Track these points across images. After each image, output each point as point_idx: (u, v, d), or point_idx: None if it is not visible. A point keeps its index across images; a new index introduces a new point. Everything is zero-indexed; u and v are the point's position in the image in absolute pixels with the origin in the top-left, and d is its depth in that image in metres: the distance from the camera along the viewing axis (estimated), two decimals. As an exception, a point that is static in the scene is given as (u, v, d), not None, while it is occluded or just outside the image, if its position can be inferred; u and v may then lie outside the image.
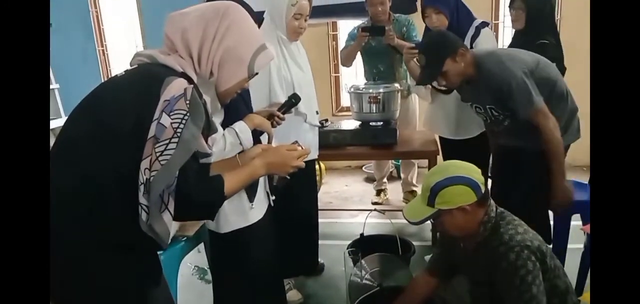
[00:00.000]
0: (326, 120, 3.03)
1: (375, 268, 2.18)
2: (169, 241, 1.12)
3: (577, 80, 2.15)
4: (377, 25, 3.08)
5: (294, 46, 2.21)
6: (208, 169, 1.32)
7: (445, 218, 1.56)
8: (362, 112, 2.90)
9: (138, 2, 4.86)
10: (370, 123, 2.88)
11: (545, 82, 1.98)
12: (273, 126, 1.80)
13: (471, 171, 1.55)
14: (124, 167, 1.05)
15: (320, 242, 2.65)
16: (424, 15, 2.61)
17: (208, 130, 1.20)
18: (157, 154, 1.02)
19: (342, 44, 3.62)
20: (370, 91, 2.86)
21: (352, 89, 2.93)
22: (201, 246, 2.21)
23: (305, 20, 2.17)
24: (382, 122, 2.86)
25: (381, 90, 2.85)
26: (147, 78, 1.14)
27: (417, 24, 3.13)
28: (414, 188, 3.77)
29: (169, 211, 1.06)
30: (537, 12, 2.47)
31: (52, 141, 1.14)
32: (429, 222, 1.66)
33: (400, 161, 3.99)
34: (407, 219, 1.61)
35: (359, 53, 3.26)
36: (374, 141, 2.84)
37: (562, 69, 2.41)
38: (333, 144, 2.84)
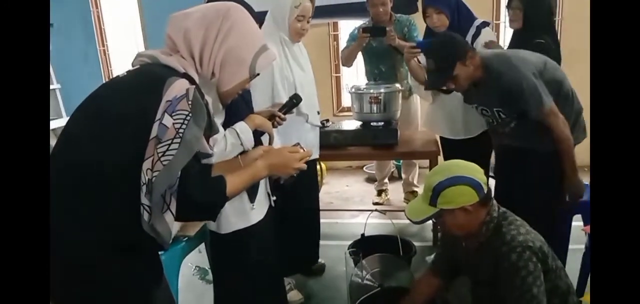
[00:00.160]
0: (327, 120, 3.03)
1: (376, 269, 2.18)
2: (171, 241, 1.12)
3: (578, 81, 2.15)
4: (378, 26, 3.08)
5: (296, 47, 2.23)
6: (210, 170, 1.32)
7: (447, 218, 1.56)
8: (363, 113, 2.90)
9: (139, 3, 4.87)
10: (371, 123, 2.88)
11: (552, 83, 1.98)
12: (274, 126, 1.81)
13: (474, 171, 1.55)
14: (126, 167, 1.05)
15: (321, 242, 2.65)
16: (425, 15, 2.62)
17: (209, 130, 1.20)
18: (159, 155, 1.02)
19: (343, 44, 3.62)
20: (371, 91, 2.86)
21: (353, 89, 2.93)
22: (202, 246, 2.22)
23: (308, 22, 2.19)
24: (383, 123, 2.86)
25: (382, 90, 2.85)
26: (149, 78, 1.14)
27: (419, 24, 3.13)
28: (415, 189, 3.77)
29: (171, 211, 1.06)
30: (535, 12, 2.47)
31: (53, 142, 1.14)
32: (430, 222, 1.66)
33: (401, 161, 3.99)
34: (408, 218, 1.61)
35: (360, 53, 3.26)
36: (375, 142, 2.84)
37: None
38: (334, 144, 2.84)
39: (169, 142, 1.03)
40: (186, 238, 2.02)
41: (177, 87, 1.08)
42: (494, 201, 1.60)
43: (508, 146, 2.18)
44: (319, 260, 2.88)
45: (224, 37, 1.21)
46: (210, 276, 2.31)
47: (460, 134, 2.71)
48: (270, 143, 1.73)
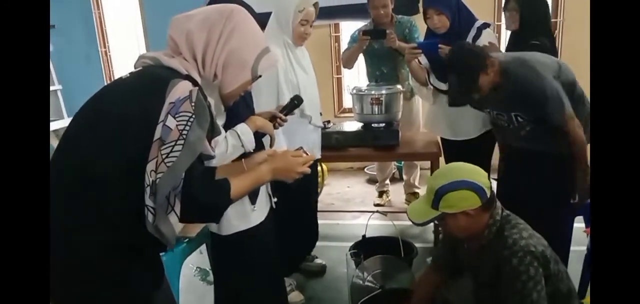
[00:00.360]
0: (328, 121, 3.03)
1: (377, 270, 2.17)
2: (175, 242, 1.12)
3: (579, 81, 2.15)
4: (378, 29, 3.08)
5: (299, 50, 2.26)
6: (213, 172, 1.33)
7: (449, 221, 1.56)
8: (365, 114, 2.89)
9: (140, 4, 4.88)
10: (373, 125, 2.88)
11: (567, 85, 1.97)
12: (275, 127, 1.81)
13: (477, 175, 1.55)
14: (127, 168, 1.06)
15: (322, 243, 2.66)
16: (425, 17, 2.62)
17: (212, 132, 1.20)
18: (163, 156, 1.02)
19: (344, 45, 3.62)
20: (373, 92, 2.86)
21: (354, 91, 2.93)
22: (203, 247, 2.22)
23: (311, 26, 2.21)
24: (384, 124, 2.86)
25: (383, 91, 2.85)
26: (152, 80, 1.14)
27: (420, 26, 3.13)
28: (417, 190, 3.77)
29: (175, 213, 1.07)
30: (531, 14, 2.47)
31: (54, 142, 1.14)
32: (431, 224, 1.65)
33: (402, 162, 3.99)
34: (410, 220, 1.61)
35: (361, 55, 3.26)
36: (376, 143, 2.83)
37: None
38: (335, 145, 2.84)
39: (173, 143, 1.03)
40: (187, 239, 2.02)
41: (180, 89, 1.08)
42: (498, 204, 1.60)
43: (520, 148, 2.16)
44: (319, 260, 2.89)
45: (227, 39, 1.21)
46: (211, 277, 2.31)
47: (461, 135, 2.71)
48: (271, 145, 1.74)
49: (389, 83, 3.01)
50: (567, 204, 2.10)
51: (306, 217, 2.56)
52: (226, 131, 1.62)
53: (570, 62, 2.54)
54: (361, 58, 3.31)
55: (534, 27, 2.46)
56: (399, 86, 2.98)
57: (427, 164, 2.88)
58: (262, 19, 2.09)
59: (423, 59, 2.75)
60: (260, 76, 1.29)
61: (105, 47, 5.14)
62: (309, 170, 1.43)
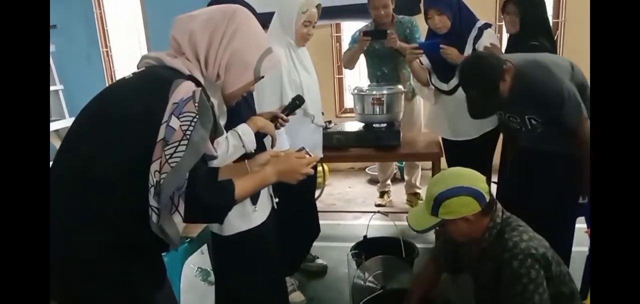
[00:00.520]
0: (330, 122, 3.03)
1: (378, 270, 2.17)
2: (179, 242, 1.12)
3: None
4: (379, 29, 3.07)
5: (301, 50, 2.28)
6: (217, 173, 1.33)
7: (449, 227, 1.56)
8: (366, 114, 2.89)
9: (142, 4, 4.88)
10: (374, 125, 2.88)
11: (580, 87, 1.95)
12: (277, 127, 1.81)
13: (475, 180, 1.54)
14: (129, 168, 1.06)
15: (323, 244, 2.66)
16: (426, 17, 2.62)
17: (215, 133, 1.21)
18: (167, 157, 1.03)
19: (345, 45, 3.62)
20: (374, 92, 2.85)
21: (355, 91, 2.93)
22: (204, 247, 2.22)
23: (313, 27, 2.23)
24: (385, 124, 2.86)
25: (385, 91, 2.84)
26: (155, 81, 1.14)
27: (421, 26, 3.13)
28: (418, 190, 3.76)
29: (179, 213, 1.07)
30: (531, 15, 2.47)
31: (56, 142, 1.14)
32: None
33: (403, 163, 3.99)
34: (411, 227, 1.61)
35: (362, 55, 3.26)
36: (378, 143, 2.83)
37: None
38: (336, 145, 2.84)
39: (176, 144, 1.03)
40: (189, 239, 2.02)
41: (184, 90, 1.09)
42: (498, 206, 1.59)
43: (531, 148, 2.14)
44: (320, 261, 2.89)
45: (229, 40, 1.21)
46: (212, 278, 2.31)
47: (463, 136, 2.71)
48: (272, 145, 1.74)
49: (390, 83, 3.01)
50: (575, 204, 2.10)
51: (307, 216, 2.57)
52: (227, 131, 1.62)
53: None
54: (362, 58, 3.31)
55: (534, 28, 2.46)
56: (400, 86, 2.98)
57: (429, 164, 2.88)
58: (264, 19, 2.10)
59: (424, 59, 2.75)
60: (262, 77, 1.29)
61: (106, 47, 5.15)
62: (312, 171, 1.44)
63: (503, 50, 2.73)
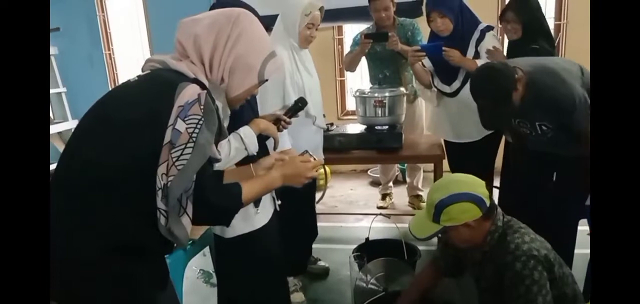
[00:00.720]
0: (332, 124, 3.04)
1: (380, 273, 2.17)
2: (187, 243, 1.13)
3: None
4: (380, 32, 3.08)
5: (303, 52, 2.29)
6: (222, 176, 1.34)
7: (451, 233, 1.56)
8: (368, 116, 2.90)
9: (145, 7, 4.89)
10: (376, 127, 2.88)
11: (589, 91, 1.96)
12: (279, 130, 1.81)
13: (475, 185, 1.54)
14: (136, 171, 1.06)
15: (325, 246, 2.66)
16: (428, 20, 2.62)
17: (219, 135, 1.21)
18: (174, 159, 1.03)
19: (347, 48, 3.62)
20: (376, 94, 2.86)
21: (357, 93, 2.94)
22: (207, 249, 2.21)
23: (316, 30, 2.24)
24: (387, 126, 2.86)
25: (387, 94, 2.85)
26: (159, 84, 1.15)
27: (422, 28, 3.13)
28: (420, 192, 3.76)
29: (188, 215, 1.08)
30: (532, 20, 2.46)
31: (59, 144, 1.15)
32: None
33: (405, 165, 3.99)
34: (413, 235, 1.61)
35: (364, 58, 3.26)
36: (380, 145, 2.83)
37: None
38: (338, 148, 2.84)
39: (183, 146, 1.04)
40: (191, 242, 2.02)
41: (189, 92, 1.09)
42: (499, 210, 1.59)
43: (538, 151, 2.13)
44: (322, 263, 2.89)
45: (234, 44, 1.22)
46: (214, 280, 2.31)
47: (465, 138, 2.71)
48: (275, 147, 1.74)
49: (391, 86, 3.01)
50: (581, 206, 2.09)
51: (308, 218, 2.58)
52: (229, 134, 1.63)
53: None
54: (364, 61, 3.31)
55: (536, 33, 2.46)
56: (402, 89, 2.98)
57: (431, 166, 2.88)
58: (267, 22, 2.11)
59: (427, 61, 2.75)
60: (266, 80, 1.30)
61: (109, 49, 5.16)
62: (317, 174, 1.45)
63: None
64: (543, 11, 2.57)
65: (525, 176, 2.26)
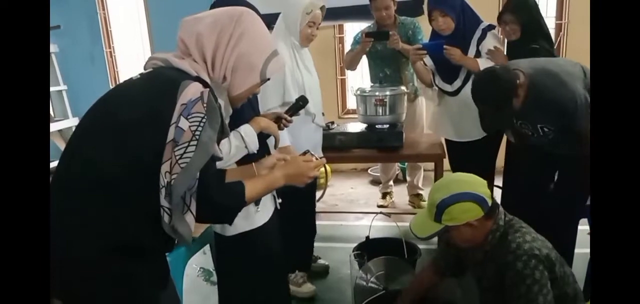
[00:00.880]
0: (332, 122, 3.03)
1: (380, 271, 2.17)
2: (191, 240, 1.13)
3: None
4: (381, 31, 3.08)
5: (303, 50, 2.30)
6: (224, 175, 1.34)
7: (452, 233, 1.55)
8: (368, 115, 2.89)
9: (146, 5, 4.89)
10: (376, 126, 2.88)
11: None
12: (280, 128, 1.81)
13: (477, 185, 1.54)
14: (138, 170, 1.06)
15: (325, 244, 2.66)
16: (430, 18, 2.62)
17: (221, 134, 1.21)
18: (177, 157, 1.04)
19: (348, 46, 3.62)
20: (377, 93, 2.86)
21: (358, 92, 2.94)
22: (207, 247, 2.22)
23: (317, 28, 2.25)
24: (388, 125, 2.86)
25: (387, 92, 2.85)
26: (162, 82, 1.15)
27: (423, 27, 3.13)
28: (420, 191, 3.76)
29: (191, 212, 1.08)
30: (531, 20, 2.46)
31: (59, 142, 1.15)
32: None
33: (406, 163, 3.99)
34: (414, 234, 1.61)
35: (365, 56, 3.26)
36: (380, 144, 2.83)
37: None
38: (339, 146, 2.84)
39: (186, 144, 1.04)
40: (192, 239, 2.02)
41: (192, 90, 1.09)
42: (500, 209, 1.59)
43: (541, 151, 2.13)
44: (323, 261, 2.89)
45: (236, 43, 1.22)
46: (214, 278, 2.31)
47: (465, 137, 2.71)
48: (275, 146, 1.74)
49: (392, 84, 3.01)
50: (582, 205, 2.09)
51: (309, 216, 2.59)
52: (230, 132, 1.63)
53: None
54: (364, 60, 3.31)
55: (535, 33, 2.46)
56: (402, 88, 2.98)
57: (431, 165, 2.88)
58: (269, 20, 2.12)
59: (428, 60, 2.75)
60: (268, 79, 1.30)
61: (110, 47, 5.16)
62: (319, 174, 1.45)
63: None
64: (541, 11, 2.56)
65: (526, 176, 2.25)
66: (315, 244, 2.81)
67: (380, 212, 2.99)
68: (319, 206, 2.96)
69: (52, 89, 4.53)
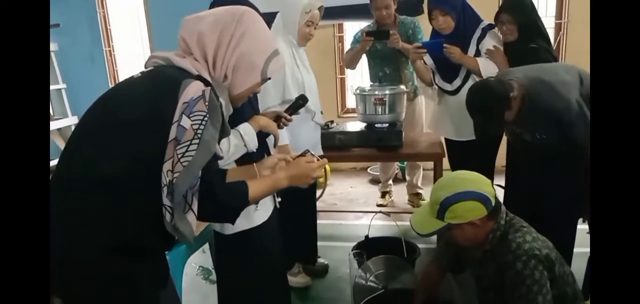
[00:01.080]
0: (331, 121, 3.03)
1: (380, 270, 2.17)
2: (193, 239, 1.13)
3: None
4: (382, 30, 3.08)
5: (301, 50, 2.31)
6: (225, 174, 1.34)
7: (455, 231, 1.55)
8: (368, 114, 2.89)
9: (145, 4, 4.89)
10: (376, 125, 2.88)
11: (588, 98, 1.95)
12: (280, 127, 1.81)
13: (481, 184, 1.54)
14: (139, 168, 1.06)
15: (325, 243, 2.66)
16: (430, 18, 2.62)
17: (222, 132, 1.21)
18: (179, 156, 1.03)
19: (348, 45, 3.62)
20: (376, 92, 2.86)
21: (357, 91, 2.94)
22: (206, 246, 2.22)
23: (315, 28, 2.27)
24: (387, 124, 2.86)
25: (387, 92, 2.85)
26: (163, 80, 1.15)
27: (423, 26, 3.13)
28: (419, 190, 3.77)
29: (193, 211, 1.08)
30: (528, 20, 2.46)
31: (59, 140, 1.15)
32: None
33: (405, 163, 3.99)
34: (415, 231, 1.60)
35: (364, 55, 3.26)
36: (380, 143, 2.83)
37: None
38: (338, 145, 2.84)
39: (188, 143, 1.04)
40: (191, 238, 2.02)
41: (193, 89, 1.09)
42: (503, 209, 1.59)
43: (542, 152, 2.11)
44: (322, 260, 2.89)
45: (237, 43, 1.22)
46: (214, 276, 2.31)
47: (465, 136, 2.71)
48: (275, 144, 1.74)
49: (392, 84, 3.01)
50: (583, 205, 2.09)
51: (310, 215, 2.61)
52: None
53: (573, 63, 2.55)
54: (364, 59, 3.31)
55: (532, 32, 2.46)
56: (402, 87, 2.99)
57: (430, 164, 2.89)
58: (268, 19, 2.12)
59: (428, 59, 2.75)
60: (269, 78, 1.30)
61: (109, 46, 5.16)
62: (322, 174, 1.46)
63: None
64: (539, 10, 2.57)
65: (526, 175, 2.26)
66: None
67: (380, 212, 2.99)
68: (318, 205, 2.96)
69: (51, 87, 4.53)
